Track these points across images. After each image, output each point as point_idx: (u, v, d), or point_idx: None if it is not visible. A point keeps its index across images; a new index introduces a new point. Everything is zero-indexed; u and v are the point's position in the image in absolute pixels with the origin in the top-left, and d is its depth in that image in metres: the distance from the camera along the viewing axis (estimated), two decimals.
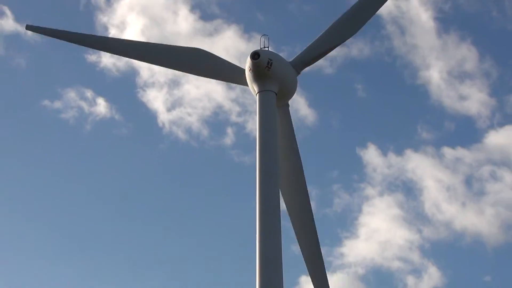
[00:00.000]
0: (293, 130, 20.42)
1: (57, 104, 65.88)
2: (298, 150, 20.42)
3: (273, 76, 19.77)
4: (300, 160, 20.38)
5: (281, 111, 20.22)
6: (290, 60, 20.77)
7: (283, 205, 19.43)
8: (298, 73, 20.73)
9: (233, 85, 21.60)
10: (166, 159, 70.54)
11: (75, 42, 22.23)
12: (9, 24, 62.57)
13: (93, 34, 23.27)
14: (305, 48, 21.11)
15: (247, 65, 19.85)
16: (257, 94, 19.87)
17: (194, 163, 69.49)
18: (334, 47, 21.07)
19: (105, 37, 25.16)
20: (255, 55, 19.58)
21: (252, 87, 20.06)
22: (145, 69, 62.49)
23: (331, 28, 20.94)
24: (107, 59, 59.66)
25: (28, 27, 22.43)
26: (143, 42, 23.21)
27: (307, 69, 21.05)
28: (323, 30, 20.95)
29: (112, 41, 23.46)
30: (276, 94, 19.86)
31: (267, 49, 20.08)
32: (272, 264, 17.57)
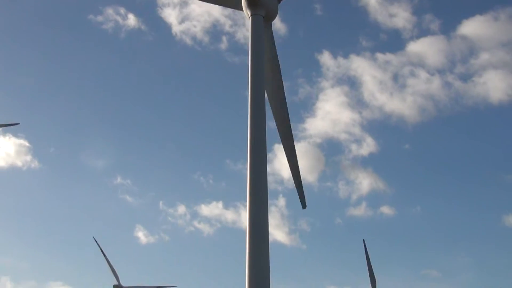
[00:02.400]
0: (273, 40, 27.25)
1: (99, 18, 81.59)
2: (277, 55, 27.40)
3: (261, 4, 25.96)
4: (278, 62, 27.49)
5: (266, 29, 26.72)
6: None
7: (266, 95, 26.34)
8: (279, 1, 27.04)
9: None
10: (178, 58, 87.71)
11: None
12: None
13: None
14: None
15: None
16: (250, 17, 26.03)
17: (198, 62, 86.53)
18: None
19: None
20: None
21: (246, 12, 26.31)
22: None
23: None
24: None
25: None
26: None
27: None
28: None
29: None
30: (263, 17, 26.06)
31: None
32: (258, 140, 23.55)
